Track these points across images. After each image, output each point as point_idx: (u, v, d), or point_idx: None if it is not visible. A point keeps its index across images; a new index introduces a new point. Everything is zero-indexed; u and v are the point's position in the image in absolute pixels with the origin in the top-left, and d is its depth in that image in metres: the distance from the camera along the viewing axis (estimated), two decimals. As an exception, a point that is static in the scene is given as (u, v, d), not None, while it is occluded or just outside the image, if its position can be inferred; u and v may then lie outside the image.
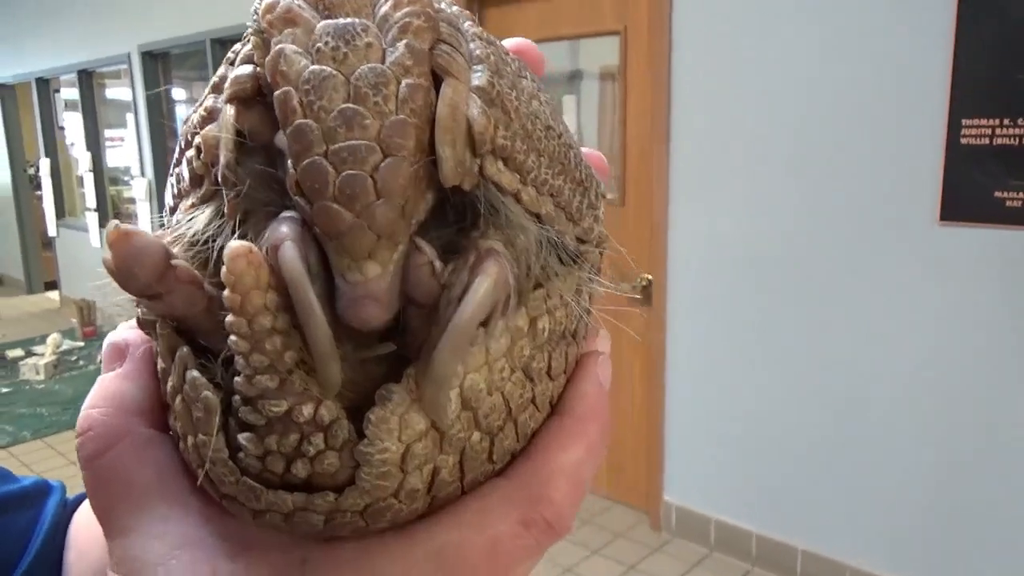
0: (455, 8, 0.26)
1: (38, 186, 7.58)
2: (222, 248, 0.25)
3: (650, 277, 2.90)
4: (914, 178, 2.28)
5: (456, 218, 0.26)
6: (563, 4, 3.12)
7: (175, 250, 0.26)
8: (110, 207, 6.51)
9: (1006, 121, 2.17)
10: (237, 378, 0.24)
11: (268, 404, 0.23)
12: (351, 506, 0.24)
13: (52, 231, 7.33)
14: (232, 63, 0.26)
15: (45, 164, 7.20)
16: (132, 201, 6.17)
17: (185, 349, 0.25)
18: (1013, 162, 2.13)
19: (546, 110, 0.27)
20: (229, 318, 0.23)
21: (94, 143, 6.44)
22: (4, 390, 4.82)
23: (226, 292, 0.22)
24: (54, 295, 7.67)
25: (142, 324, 0.28)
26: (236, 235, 0.25)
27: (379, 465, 0.24)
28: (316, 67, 0.22)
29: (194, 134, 0.26)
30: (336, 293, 0.23)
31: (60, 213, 7.20)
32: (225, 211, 0.25)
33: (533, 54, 0.31)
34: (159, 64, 5.57)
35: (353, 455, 0.24)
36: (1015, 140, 2.17)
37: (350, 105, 0.22)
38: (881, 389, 2.41)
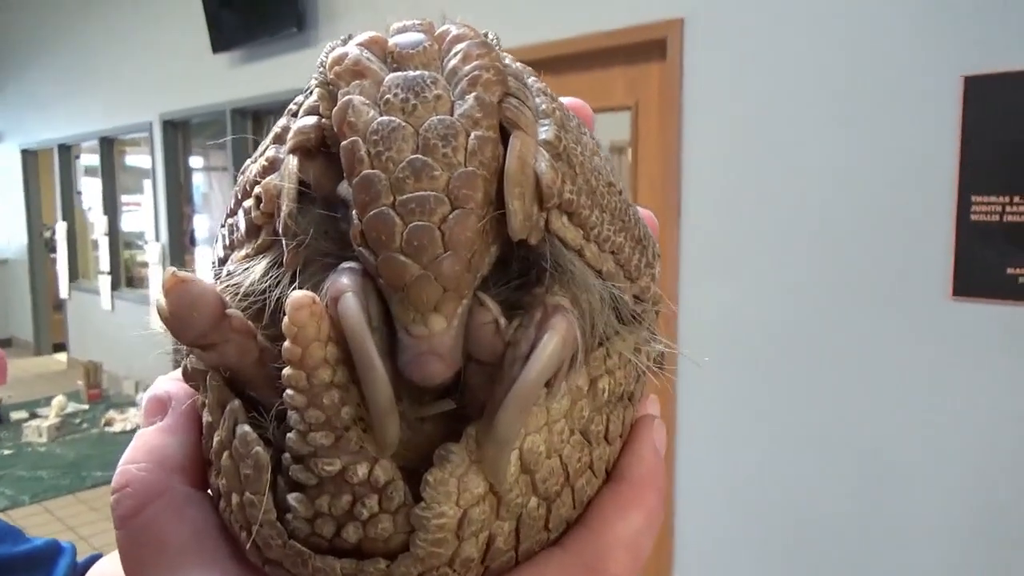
0: (519, 63, 0.26)
1: (53, 249, 7.67)
2: (279, 299, 0.24)
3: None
4: (926, 254, 2.29)
5: (515, 274, 0.25)
6: (574, 79, 3.20)
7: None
8: (123, 271, 6.57)
9: (1016, 199, 2.18)
10: (289, 434, 0.23)
11: (321, 463, 0.22)
12: (403, 574, 0.23)
13: (64, 293, 7.37)
14: (294, 114, 0.26)
15: (61, 228, 7.30)
16: (145, 265, 6.22)
17: (236, 402, 0.24)
18: (1023, 239, 2.14)
19: (607, 166, 0.27)
20: (287, 371, 0.22)
21: (111, 208, 6.55)
22: (6, 452, 4.76)
23: (286, 343, 0.22)
24: (62, 357, 7.67)
25: (190, 375, 0.27)
26: (294, 286, 0.24)
27: (435, 531, 0.22)
28: (385, 118, 0.22)
29: (254, 184, 0.25)
30: (398, 348, 0.22)
31: (73, 276, 7.27)
32: (284, 261, 0.24)
33: (586, 113, 0.31)
34: (179, 133, 5.71)
35: (408, 519, 0.23)
36: (1025, 218, 2.18)
37: (419, 156, 0.22)
38: (896, 466, 2.36)
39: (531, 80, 0.26)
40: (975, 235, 2.22)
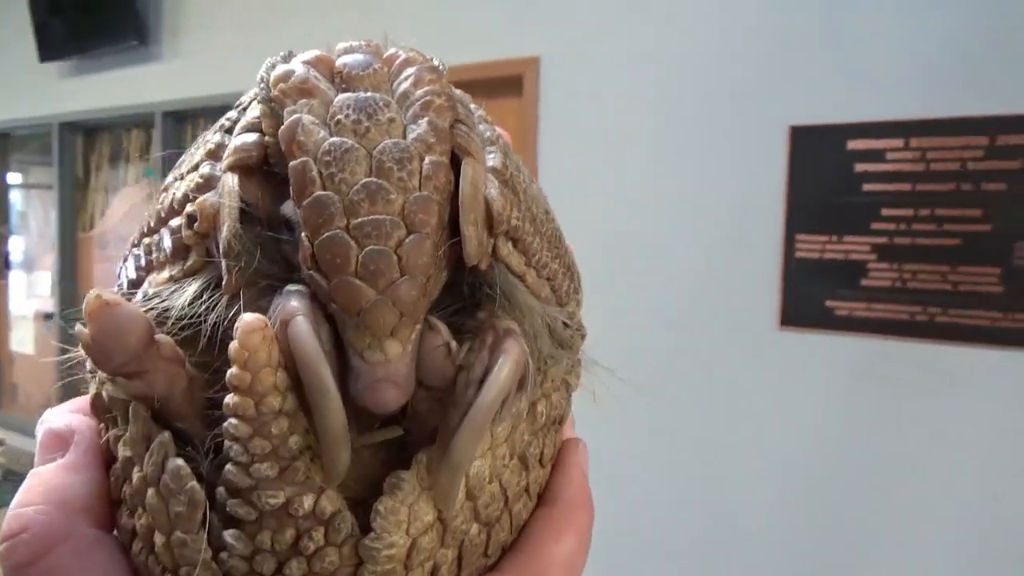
0: (459, 90, 0.27)
1: None
2: (215, 324, 0.23)
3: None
4: (758, 287, 2.48)
5: (461, 299, 0.25)
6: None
7: None
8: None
9: (833, 238, 2.41)
10: (228, 467, 0.21)
11: (265, 495, 0.21)
12: None
13: None
14: (228, 130, 0.24)
15: None
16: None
17: (167, 435, 0.23)
18: (840, 275, 2.37)
19: (542, 195, 0.28)
20: (232, 399, 0.21)
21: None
22: None
23: (233, 370, 0.21)
24: None
25: (105, 406, 0.25)
26: (236, 309, 0.23)
27: (384, 562, 0.22)
28: (337, 139, 0.22)
29: (184, 202, 0.24)
30: (351, 375, 0.22)
31: None
32: (224, 283, 0.23)
33: (507, 140, 0.32)
34: (-6, 145, 5.20)
35: (356, 551, 0.22)
36: (842, 255, 2.41)
37: (373, 179, 0.22)
38: (733, 479, 2.52)
39: (472, 107, 0.26)
40: (800, 270, 2.43)
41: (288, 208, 0.22)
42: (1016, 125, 2.06)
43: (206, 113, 3.82)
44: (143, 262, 0.26)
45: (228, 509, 0.21)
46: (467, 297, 0.25)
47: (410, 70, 0.24)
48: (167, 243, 0.25)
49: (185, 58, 3.90)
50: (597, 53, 2.76)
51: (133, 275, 0.26)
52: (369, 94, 0.23)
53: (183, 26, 3.96)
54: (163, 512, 0.22)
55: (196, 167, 0.24)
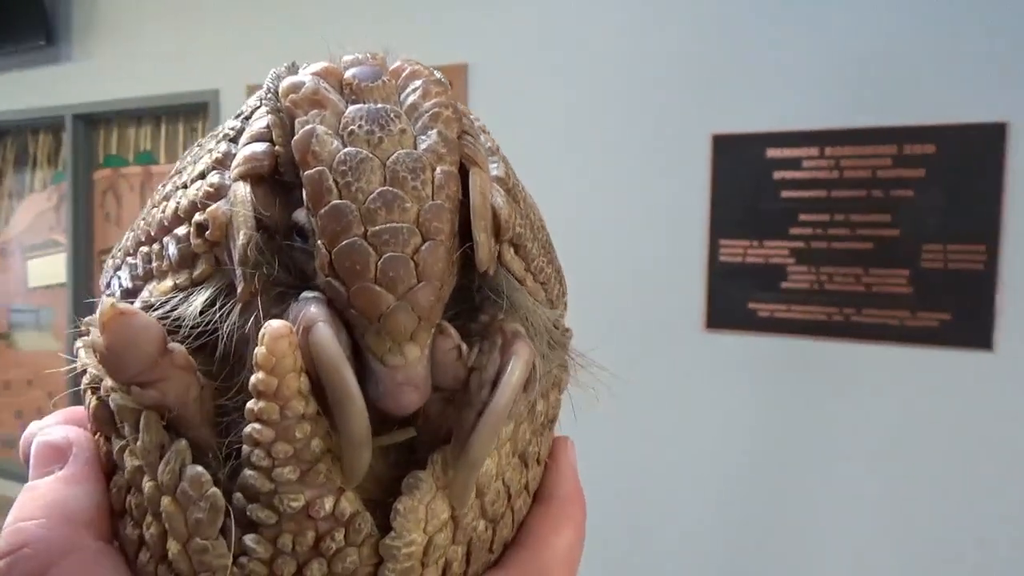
0: (458, 103, 0.27)
1: None
2: (231, 331, 0.23)
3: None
4: (684, 291, 2.56)
5: (470, 303, 0.26)
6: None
7: None
8: None
9: (754, 243, 2.50)
10: (248, 472, 0.22)
11: (287, 499, 0.22)
12: None
13: None
14: (233, 139, 0.25)
15: None
16: None
17: (183, 443, 0.23)
18: (760, 278, 2.46)
19: (535, 203, 0.29)
20: (256, 404, 0.21)
21: None
22: None
23: (258, 375, 0.21)
24: None
25: (109, 418, 0.24)
26: (253, 316, 0.23)
27: (404, 560, 0.22)
28: (351, 149, 0.22)
29: (191, 210, 0.24)
30: (371, 379, 0.22)
31: None
32: (239, 292, 0.23)
33: None
34: None
35: (375, 550, 0.22)
36: (762, 259, 2.50)
37: (389, 188, 0.22)
38: (659, 486, 2.58)
39: (473, 118, 0.27)
40: (724, 274, 2.52)
41: (301, 216, 0.23)
42: (921, 136, 2.19)
43: (121, 116, 3.68)
44: (141, 271, 0.26)
45: (248, 513, 0.22)
46: (475, 301, 0.26)
47: (417, 83, 0.25)
48: (172, 251, 0.24)
49: (97, 59, 3.74)
50: (524, 61, 2.80)
51: (129, 284, 0.26)
52: (380, 105, 0.23)
53: (95, 26, 3.80)
54: (180, 519, 0.22)
55: (203, 176, 0.24)
